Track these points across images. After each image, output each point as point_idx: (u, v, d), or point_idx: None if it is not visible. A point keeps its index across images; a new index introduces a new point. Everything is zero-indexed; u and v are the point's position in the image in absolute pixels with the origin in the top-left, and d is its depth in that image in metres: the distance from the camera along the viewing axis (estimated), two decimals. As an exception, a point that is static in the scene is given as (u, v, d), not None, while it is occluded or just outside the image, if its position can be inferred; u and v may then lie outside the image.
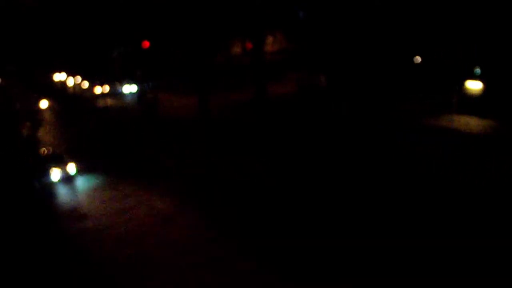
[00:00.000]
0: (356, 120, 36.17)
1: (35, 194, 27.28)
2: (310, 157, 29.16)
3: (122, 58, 67.79)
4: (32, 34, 67.18)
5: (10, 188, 27.66)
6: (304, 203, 22.61)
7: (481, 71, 33.97)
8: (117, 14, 61.33)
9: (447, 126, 32.47)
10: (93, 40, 64.71)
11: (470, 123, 32.84)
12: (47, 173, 28.09)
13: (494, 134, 30.33)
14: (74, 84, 66.14)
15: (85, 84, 63.32)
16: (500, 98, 32.97)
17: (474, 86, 34.65)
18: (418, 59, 38.27)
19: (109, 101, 54.54)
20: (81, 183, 28.20)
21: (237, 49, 65.59)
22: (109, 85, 59.09)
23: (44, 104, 52.82)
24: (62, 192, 27.18)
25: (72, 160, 29.86)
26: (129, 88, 58.10)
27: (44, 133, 41.32)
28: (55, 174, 28.22)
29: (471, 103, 34.47)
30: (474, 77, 34.42)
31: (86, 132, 41.42)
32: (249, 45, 55.62)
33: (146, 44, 62.36)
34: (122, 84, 58.78)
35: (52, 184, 28.03)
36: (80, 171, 29.49)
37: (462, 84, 35.15)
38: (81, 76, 65.39)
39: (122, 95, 57.38)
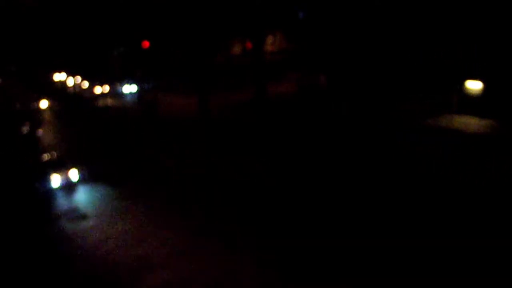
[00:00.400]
0: (356, 120, 36.18)
1: (33, 199, 25.91)
2: (310, 157, 29.16)
3: (122, 58, 67.85)
4: (32, 34, 67.22)
5: (7, 191, 26.72)
6: (304, 203, 22.61)
7: (480, 71, 33.98)
8: (117, 14, 61.35)
9: (447, 126, 32.47)
10: (93, 40, 64.76)
11: (470, 123, 32.85)
12: (47, 179, 26.50)
13: (494, 134, 30.33)
14: (74, 84, 66.17)
15: (85, 84, 63.35)
16: (500, 98, 32.98)
17: (474, 86, 34.66)
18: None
19: (109, 101, 54.56)
20: (82, 191, 26.48)
21: (237, 49, 65.60)
22: (109, 85, 59.13)
23: (44, 104, 52.88)
24: (60, 201, 25.36)
25: (74, 165, 28.04)
26: (129, 88, 58.14)
27: (44, 133, 41.36)
28: (56, 180, 26.64)
29: (471, 103, 34.48)
30: (474, 77, 34.45)
31: (86, 132, 41.41)
32: (249, 45, 55.61)
33: (146, 44, 62.39)
34: (122, 84, 58.80)
35: (51, 190, 26.39)
36: (82, 177, 27.80)
37: (462, 84, 35.16)
38: (81, 76, 65.43)
39: (122, 95, 57.40)
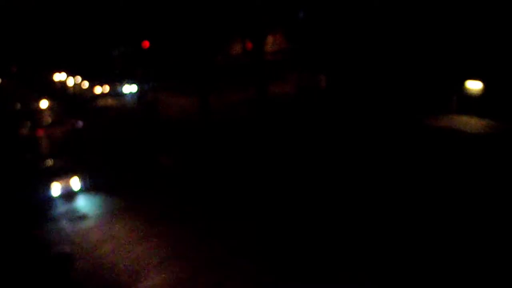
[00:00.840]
0: (356, 119, 36.17)
1: (28, 207, 24.38)
2: (310, 157, 29.15)
3: (122, 58, 67.82)
4: (33, 34, 67.22)
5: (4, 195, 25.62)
6: (304, 203, 22.61)
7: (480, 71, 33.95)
8: (117, 14, 61.34)
9: (447, 126, 32.47)
10: (93, 40, 64.74)
11: (470, 123, 32.84)
12: (46, 187, 25.16)
13: (494, 134, 30.33)
14: (74, 84, 66.14)
15: (85, 84, 63.32)
16: (500, 98, 32.97)
17: (474, 86, 34.65)
18: None
19: (109, 101, 54.53)
20: (83, 201, 25.14)
21: (237, 49, 65.56)
22: (109, 85, 59.10)
23: (44, 104, 52.83)
24: (58, 212, 23.90)
25: (76, 173, 26.44)
26: (129, 88, 58.11)
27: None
28: (55, 188, 25.28)
29: (471, 103, 34.47)
30: (474, 77, 34.43)
31: (86, 132, 41.33)
32: (249, 45, 55.59)
33: (146, 44, 62.37)
34: (122, 84, 58.78)
35: (50, 199, 25.10)
36: (84, 185, 26.37)
37: (462, 84, 35.14)
38: (81, 76, 65.40)
39: (122, 95, 57.37)
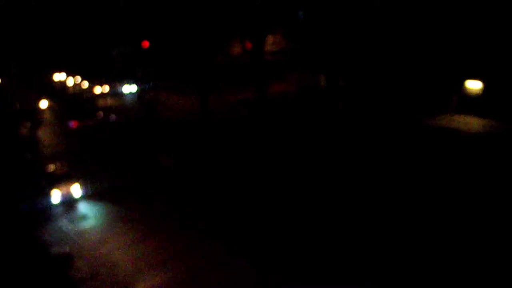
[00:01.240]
0: (356, 119, 36.15)
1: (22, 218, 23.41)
2: (310, 157, 29.13)
3: (122, 58, 67.75)
4: (33, 34, 67.18)
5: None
6: (304, 203, 22.59)
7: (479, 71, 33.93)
8: (117, 14, 61.30)
9: (447, 126, 32.45)
10: (93, 40, 64.70)
11: (470, 123, 32.83)
12: (47, 194, 24.40)
13: (494, 134, 30.32)
14: (74, 84, 66.12)
15: (85, 84, 63.30)
16: (500, 98, 32.95)
17: (474, 86, 34.64)
18: None
19: (109, 101, 54.51)
20: (83, 210, 24.13)
21: (237, 49, 65.48)
22: (109, 85, 59.10)
23: (44, 104, 52.82)
24: (56, 223, 22.88)
25: (77, 179, 25.79)
26: (129, 88, 58.10)
27: (44, 133, 41.32)
28: (56, 195, 24.45)
29: (471, 103, 34.45)
30: (474, 77, 34.42)
31: (86, 133, 41.29)
32: (249, 45, 55.55)
33: (146, 44, 62.31)
34: (122, 84, 58.76)
35: (49, 207, 24.23)
36: (85, 192, 25.64)
37: (462, 84, 35.13)
38: (81, 76, 65.37)
39: (122, 95, 57.36)
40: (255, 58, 46.89)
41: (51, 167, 26.52)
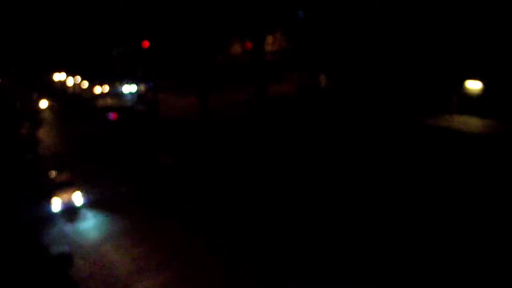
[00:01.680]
0: (356, 119, 36.14)
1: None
2: (311, 157, 29.13)
3: (122, 58, 67.73)
4: (32, 34, 67.16)
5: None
6: (304, 203, 22.59)
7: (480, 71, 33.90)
8: (117, 14, 61.28)
9: (447, 126, 32.45)
10: (93, 40, 64.67)
11: (470, 123, 32.83)
12: (47, 201, 23.58)
13: (494, 134, 30.32)
14: (74, 84, 66.12)
15: (85, 84, 63.30)
16: (500, 98, 32.95)
17: (474, 86, 34.64)
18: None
19: (109, 101, 54.53)
20: (84, 219, 23.14)
21: (237, 49, 65.50)
22: (109, 85, 59.11)
23: (44, 104, 52.86)
24: (56, 224, 22.56)
25: (78, 187, 24.82)
26: (129, 88, 58.12)
27: (43, 133, 41.33)
28: (56, 204, 23.48)
29: (471, 103, 34.45)
30: (474, 77, 34.41)
31: (86, 133, 41.28)
32: (249, 45, 55.50)
33: (146, 44, 62.27)
34: (122, 84, 58.77)
35: (49, 216, 23.36)
36: (86, 201, 24.69)
37: (462, 84, 35.13)
38: (81, 76, 65.36)
39: (122, 95, 57.36)
40: (255, 58, 46.91)
41: (53, 173, 25.49)
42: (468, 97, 34.88)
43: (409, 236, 18.60)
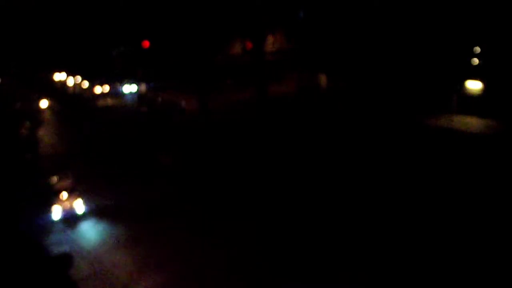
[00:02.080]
0: (355, 120, 36.15)
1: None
2: (310, 157, 29.14)
3: (122, 58, 67.75)
4: (32, 34, 67.19)
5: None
6: (304, 203, 22.59)
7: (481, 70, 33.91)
8: (117, 14, 61.31)
9: (447, 126, 32.45)
10: (93, 40, 64.69)
11: (470, 123, 32.83)
12: (47, 209, 22.61)
13: (494, 134, 30.32)
14: (74, 84, 66.11)
15: (85, 84, 63.29)
16: (500, 98, 32.96)
17: (474, 86, 34.65)
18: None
19: (109, 101, 54.54)
20: (85, 228, 22.13)
21: (237, 49, 65.51)
22: (109, 85, 59.12)
23: (44, 104, 52.84)
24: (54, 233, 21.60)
25: (80, 194, 23.68)
26: (129, 88, 58.11)
27: (43, 133, 41.31)
28: (57, 211, 22.47)
29: (471, 103, 34.46)
30: (474, 77, 34.42)
31: (86, 134, 41.21)
32: (249, 45, 55.51)
33: (146, 44, 62.30)
34: (122, 84, 58.78)
35: (48, 224, 22.35)
36: (88, 209, 23.46)
37: (462, 84, 35.14)
38: (81, 76, 65.37)
39: (122, 95, 57.37)
40: (255, 58, 46.94)
41: (54, 179, 24.44)
42: (468, 97, 34.91)
43: (409, 236, 18.60)
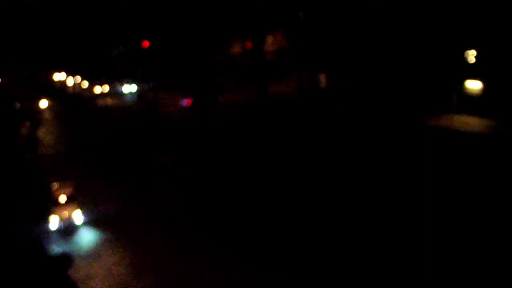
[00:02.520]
0: (355, 120, 36.16)
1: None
2: (310, 157, 29.14)
3: (122, 58, 67.81)
4: (32, 34, 67.23)
5: None
6: (304, 203, 22.60)
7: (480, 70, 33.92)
8: (117, 14, 61.35)
9: (447, 126, 32.44)
10: (93, 40, 64.75)
11: (470, 123, 32.82)
12: (44, 218, 21.56)
13: (494, 134, 30.32)
14: (74, 84, 66.13)
15: (85, 84, 63.31)
16: (500, 98, 32.97)
17: (474, 86, 34.66)
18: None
19: (109, 101, 54.56)
20: (83, 240, 21.07)
21: (237, 49, 65.56)
22: (109, 85, 59.15)
23: (44, 104, 52.84)
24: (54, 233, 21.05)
25: (80, 204, 22.46)
26: (129, 88, 58.12)
27: (43, 133, 41.31)
28: (54, 221, 21.29)
29: (471, 103, 34.47)
30: (474, 77, 34.45)
31: (86, 134, 41.18)
32: (249, 45, 55.57)
33: (146, 44, 62.36)
34: (122, 84, 58.81)
35: (46, 234, 21.30)
36: (87, 219, 22.26)
37: (462, 84, 35.15)
38: (81, 76, 65.41)
39: (122, 95, 57.38)
40: (255, 58, 46.98)
41: (55, 186, 22.94)
42: (468, 97, 34.92)
43: (409, 236, 18.60)
